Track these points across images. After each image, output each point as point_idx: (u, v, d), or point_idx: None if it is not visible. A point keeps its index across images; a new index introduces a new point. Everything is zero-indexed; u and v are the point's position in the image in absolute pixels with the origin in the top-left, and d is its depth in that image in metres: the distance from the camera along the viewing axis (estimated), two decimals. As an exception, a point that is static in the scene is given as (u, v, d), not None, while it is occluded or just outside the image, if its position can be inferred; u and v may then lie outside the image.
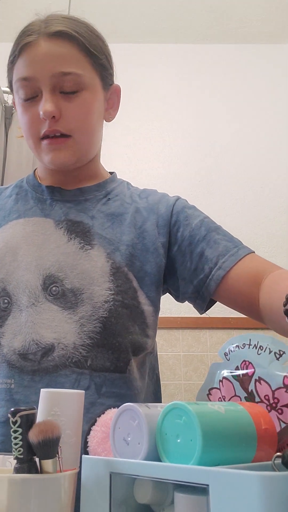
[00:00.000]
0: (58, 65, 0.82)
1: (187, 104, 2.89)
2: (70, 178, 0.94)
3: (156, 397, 0.91)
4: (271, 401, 0.55)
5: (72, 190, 0.93)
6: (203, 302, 0.88)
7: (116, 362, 0.81)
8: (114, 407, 0.55)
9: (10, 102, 2.44)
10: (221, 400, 0.60)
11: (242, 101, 2.90)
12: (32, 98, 0.84)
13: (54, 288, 0.82)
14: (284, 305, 0.58)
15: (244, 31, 2.90)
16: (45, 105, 0.82)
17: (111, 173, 1.02)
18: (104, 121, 0.95)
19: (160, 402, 0.91)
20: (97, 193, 0.94)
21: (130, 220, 0.90)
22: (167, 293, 0.95)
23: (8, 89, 2.41)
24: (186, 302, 0.93)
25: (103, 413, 0.56)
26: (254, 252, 0.87)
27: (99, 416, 0.56)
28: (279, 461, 0.45)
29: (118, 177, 1.02)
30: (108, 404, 0.77)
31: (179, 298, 0.92)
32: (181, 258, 0.88)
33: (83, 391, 0.57)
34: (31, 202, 0.93)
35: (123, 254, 0.85)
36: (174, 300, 0.94)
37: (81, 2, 2.53)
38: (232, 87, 2.92)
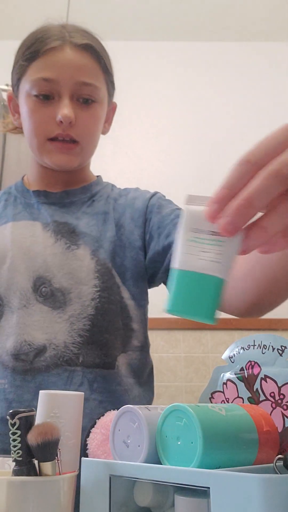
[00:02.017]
0: (81, 74, 0.88)
1: (187, 102, 2.89)
2: (58, 181, 0.97)
3: (148, 397, 0.92)
4: (277, 398, 0.54)
5: (58, 192, 0.96)
6: None
7: (104, 358, 0.83)
8: (106, 403, 0.55)
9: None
10: (225, 403, 0.60)
11: (243, 99, 2.89)
12: (47, 99, 0.88)
13: (43, 289, 0.85)
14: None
15: (244, 29, 2.90)
16: (65, 110, 0.86)
17: (97, 176, 1.05)
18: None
19: (151, 400, 0.93)
20: (82, 195, 0.97)
21: (111, 217, 0.94)
22: (163, 295, 0.95)
23: (6, 87, 2.41)
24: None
25: (103, 415, 0.56)
26: None
27: (99, 418, 0.56)
28: (280, 463, 0.44)
29: (121, 178, 1.09)
30: (100, 399, 0.80)
31: (155, 281, 0.94)
32: (152, 242, 0.91)
33: (82, 393, 0.57)
34: (19, 207, 0.96)
35: (106, 251, 0.88)
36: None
37: (80, 1, 2.54)
38: (232, 85, 2.92)
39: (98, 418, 0.56)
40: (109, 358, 0.84)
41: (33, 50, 0.88)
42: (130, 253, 0.91)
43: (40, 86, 0.87)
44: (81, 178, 1.00)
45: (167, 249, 0.87)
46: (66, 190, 0.97)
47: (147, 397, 0.90)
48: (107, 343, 0.83)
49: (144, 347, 0.92)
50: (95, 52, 0.90)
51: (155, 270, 0.91)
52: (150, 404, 0.88)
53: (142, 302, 0.92)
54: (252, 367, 0.58)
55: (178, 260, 0.43)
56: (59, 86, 0.86)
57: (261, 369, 0.57)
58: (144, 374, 0.91)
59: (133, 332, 0.89)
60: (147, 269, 0.92)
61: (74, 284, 0.84)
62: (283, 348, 0.56)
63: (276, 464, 0.44)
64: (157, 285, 0.95)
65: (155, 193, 0.98)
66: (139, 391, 0.87)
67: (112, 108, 1.01)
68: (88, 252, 0.88)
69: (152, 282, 0.94)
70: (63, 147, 0.89)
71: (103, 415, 0.56)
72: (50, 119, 0.87)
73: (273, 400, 0.55)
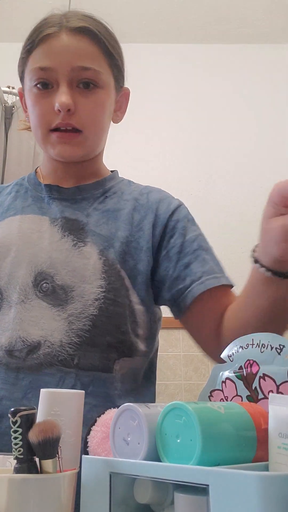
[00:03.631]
0: (78, 59, 0.83)
1: (187, 103, 2.89)
2: (70, 175, 0.94)
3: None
4: (275, 397, 0.55)
5: (71, 188, 0.92)
6: (179, 311, 0.88)
7: (103, 361, 0.80)
8: (100, 407, 0.55)
9: (10, 102, 2.44)
10: (223, 401, 0.61)
11: (243, 101, 2.89)
12: (46, 89, 0.84)
13: (44, 285, 0.81)
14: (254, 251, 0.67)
15: (244, 31, 2.90)
16: (62, 97, 0.82)
17: (112, 171, 1.01)
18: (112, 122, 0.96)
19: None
20: (94, 191, 0.93)
21: (127, 216, 0.89)
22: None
23: (8, 89, 2.41)
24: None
25: (103, 413, 0.56)
26: (234, 286, 0.88)
27: (99, 416, 0.56)
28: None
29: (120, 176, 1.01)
30: (94, 403, 0.76)
31: (157, 302, 0.91)
32: (167, 263, 0.87)
33: (83, 391, 0.57)
34: (29, 200, 0.93)
35: (116, 251, 0.85)
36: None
37: (81, 1, 2.54)
38: (232, 87, 2.92)
39: (99, 416, 0.56)
40: (107, 361, 0.80)
41: (31, 40, 0.85)
42: (148, 258, 0.86)
43: (37, 76, 0.84)
44: (94, 171, 0.96)
45: (181, 279, 0.85)
46: (78, 185, 0.93)
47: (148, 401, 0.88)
48: (108, 346, 0.80)
49: (148, 353, 0.88)
50: (93, 35, 0.85)
51: (158, 291, 0.88)
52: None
53: (152, 308, 0.89)
54: (251, 366, 0.58)
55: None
56: (56, 73, 0.83)
57: (259, 368, 0.57)
58: (143, 380, 0.88)
59: (138, 338, 0.85)
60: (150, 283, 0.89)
61: (77, 282, 0.81)
62: (281, 346, 0.56)
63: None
64: (157, 304, 0.92)
65: (180, 204, 0.94)
66: (135, 397, 0.84)
67: (123, 94, 0.95)
68: (95, 251, 0.84)
69: (155, 300, 0.91)
70: (64, 136, 0.85)
71: (103, 413, 0.56)
72: (51, 109, 0.84)
73: (271, 399, 0.55)
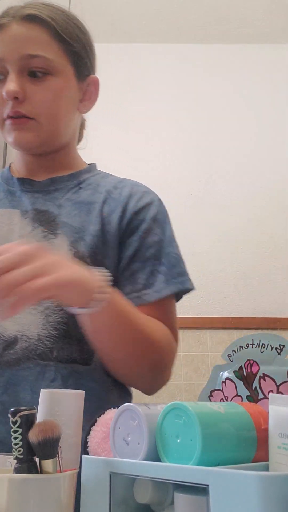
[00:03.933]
0: (26, 47, 0.82)
1: (187, 103, 2.89)
2: (43, 168, 0.92)
3: (129, 397, 0.88)
4: (274, 398, 0.55)
5: (44, 180, 0.91)
6: None
7: (82, 354, 0.80)
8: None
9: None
10: (224, 401, 0.61)
11: (243, 101, 2.89)
12: (0, 81, 0.84)
13: None
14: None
15: (244, 31, 2.89)
16: (8, 85, 0.82)
17: (90, 164, 0.99)
18: (83, 113, 0.93)
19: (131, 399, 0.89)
20: (68, 183, 0.92)
21: (99, 209, 0.88)
22: None
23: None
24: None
25: (103, 413, 0.56)
26: (178, 296, 0.87)
27: (99, 416, 0.56)
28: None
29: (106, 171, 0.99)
30: None
31: None
32: (121, 263, 0.86)
33: (83, 391, 0.57)
34: (1, 195, 0.92)
35: (87, 245, 0.83)
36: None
37: (81, 2, 2.54)
38: (232, 86, 2.92)
39: (99, 416, 0.56)
40: (86, 354, 0.80)
41: None
42: (114, 253, 0.86)
43: None
44: (67, 163, 0.94)
45: (122, 285, 0.84)
46: (52, 177, 0.91)
47: (127, 396, 0.87)
48: (85, 338, 0.78)
49: None
50: (44, 22, 0.84)
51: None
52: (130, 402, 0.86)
53: None
54: (251, 366, 0.58)
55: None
56: (6, 63, 0.83)
57: (259, 368, 0.57)
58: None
59: None
60: None
61: None
62: (281, 347, 0.57)
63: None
64: None
65: (150, 203, 0.90)
66: (117, 389, 0.83)
67: (91, 83, 0.92)
68: (66, 243, 0.83)
69: None
70: (16, 122, 0.84)
71: (103, 413, 0.56)
72: (3, 99, 0.83)
73: (271, 399, 0.55)
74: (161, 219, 0.90)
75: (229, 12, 2.77)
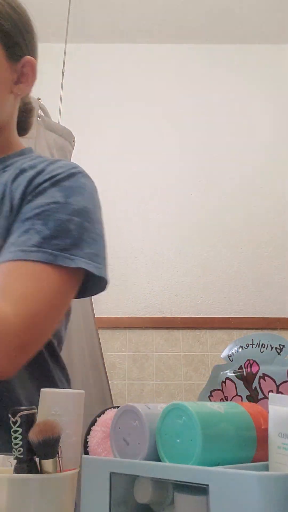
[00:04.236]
0: None
1: (187, 103, 2.89)
2: None
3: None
4: (274, 398, 0.55)
5: None
6: None
7: None
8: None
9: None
10: (223, 401, 0.61)
11: (242, 101, 2.89)
12: None
13: None
14: None
15: (244, 31, 2.90)
16: None
17: (26, 148, 0.93)
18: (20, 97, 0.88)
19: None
20: None
21: (9, 188, 0.81)
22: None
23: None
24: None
25: (103, 413, 0.56)
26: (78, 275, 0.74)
27: (99, 416, 0.56)
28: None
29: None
30: None
31: None
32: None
33: (83, 391, 0.57)
34: None
35: (1, 227, 0.77)
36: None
37: (81, 2, 2.54)
38: (232, 87, 2.92)
39: (99, 416, 0.56)
40: None
41: None
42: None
43: None
44: (1, 147, 0.88)
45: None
46: None
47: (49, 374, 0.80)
48: None
49: (51, 345, 0.82)
50: None
51: None
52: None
53: None
54: (251, 366, 0.58)
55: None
56: None
57: (259, 368, 0.57)
58: (41, 367, 0.80)
59: None
60: None
61: None
62: (281, 346, 0.57)
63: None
64: None
65: (62, 172, 0.80)
66: (34, 383, 0.77)
67: (27, 64, 0.86)
68: None
69: None
70: None
71: (103, 413, 0.56)
72: None
73: (271, 399, 0.55)
74: (70, 187, 0.78)
75: (229, 12, 2.77)
